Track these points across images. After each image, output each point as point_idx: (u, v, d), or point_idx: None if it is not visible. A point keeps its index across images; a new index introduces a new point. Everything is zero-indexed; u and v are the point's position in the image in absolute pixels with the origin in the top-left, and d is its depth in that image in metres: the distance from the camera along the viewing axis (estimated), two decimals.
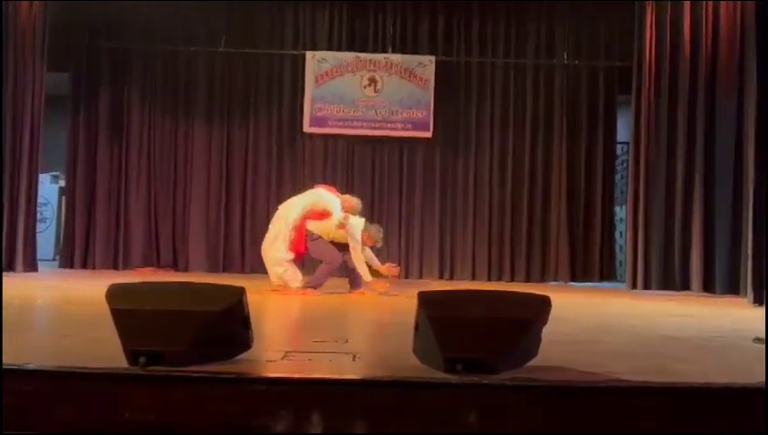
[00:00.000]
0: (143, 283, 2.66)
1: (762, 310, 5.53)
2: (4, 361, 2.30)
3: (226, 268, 8.39)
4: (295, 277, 5.91)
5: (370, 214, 8.62)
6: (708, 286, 7.19)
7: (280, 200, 8.52)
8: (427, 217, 8.59)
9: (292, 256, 5.97)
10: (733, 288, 6.93)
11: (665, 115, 7.55)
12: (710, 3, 7.32)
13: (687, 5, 7.44)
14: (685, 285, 7.34)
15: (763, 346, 3.45)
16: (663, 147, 7.56)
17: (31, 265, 7.21)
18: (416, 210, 8.60)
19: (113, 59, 8.48)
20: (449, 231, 8.58)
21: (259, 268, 8.35)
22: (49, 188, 9.72)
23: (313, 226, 5.96)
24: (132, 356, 2.34)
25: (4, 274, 6.78)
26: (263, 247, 6.20)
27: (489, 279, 8.41)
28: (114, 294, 2.43)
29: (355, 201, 6.16)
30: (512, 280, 8.39)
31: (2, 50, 6.71)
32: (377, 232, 6.11)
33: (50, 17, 7.42)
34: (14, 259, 7.01)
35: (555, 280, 8.47)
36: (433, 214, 8.58)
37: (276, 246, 5.96)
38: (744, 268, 6.62)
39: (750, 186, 6.19)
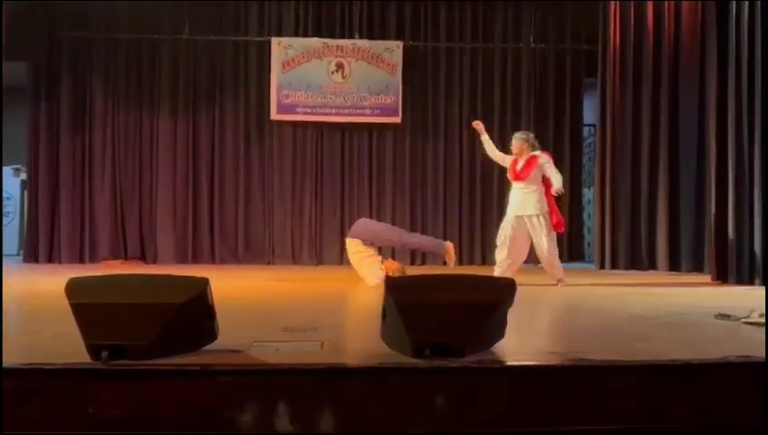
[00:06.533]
0: (103, 276, 2.60)
1: (720, 289, 5.69)
2: None
3: (196, 259, 8.29)
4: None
5: (341, 201, 8.61)
6: (674, 265, 7.35)
7: (249, 188, 8.53)
8: (397, 202, 8.58)
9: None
10: (697, 266, 7.11)
11: (630, 98, 7.64)
12: None
13: None
14: (651, 264, 7.49)
15: (726, 322, 3.54)
16: (628, 129, 7.66)
17: None
18: (386, 196, 8.58)
19: (74, 47, 8.28)
20: (420, 216, 8.60)
21: (228, 259, 8.37)
22: (11, 182, 9.50)
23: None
24: (94, 351, 2.29)
25: None
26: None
27: (461, 263, 8.41)
28: (74, 288, 2.37)
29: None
30: (483, 264, 8.44)
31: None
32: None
33: (6, 4, 7.18)
34: None
35: (525, 262, 8.52)
36: (403, 199, 8.58)
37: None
38: (707, 247, 6.78)
39: (712, 167, 6.31)
